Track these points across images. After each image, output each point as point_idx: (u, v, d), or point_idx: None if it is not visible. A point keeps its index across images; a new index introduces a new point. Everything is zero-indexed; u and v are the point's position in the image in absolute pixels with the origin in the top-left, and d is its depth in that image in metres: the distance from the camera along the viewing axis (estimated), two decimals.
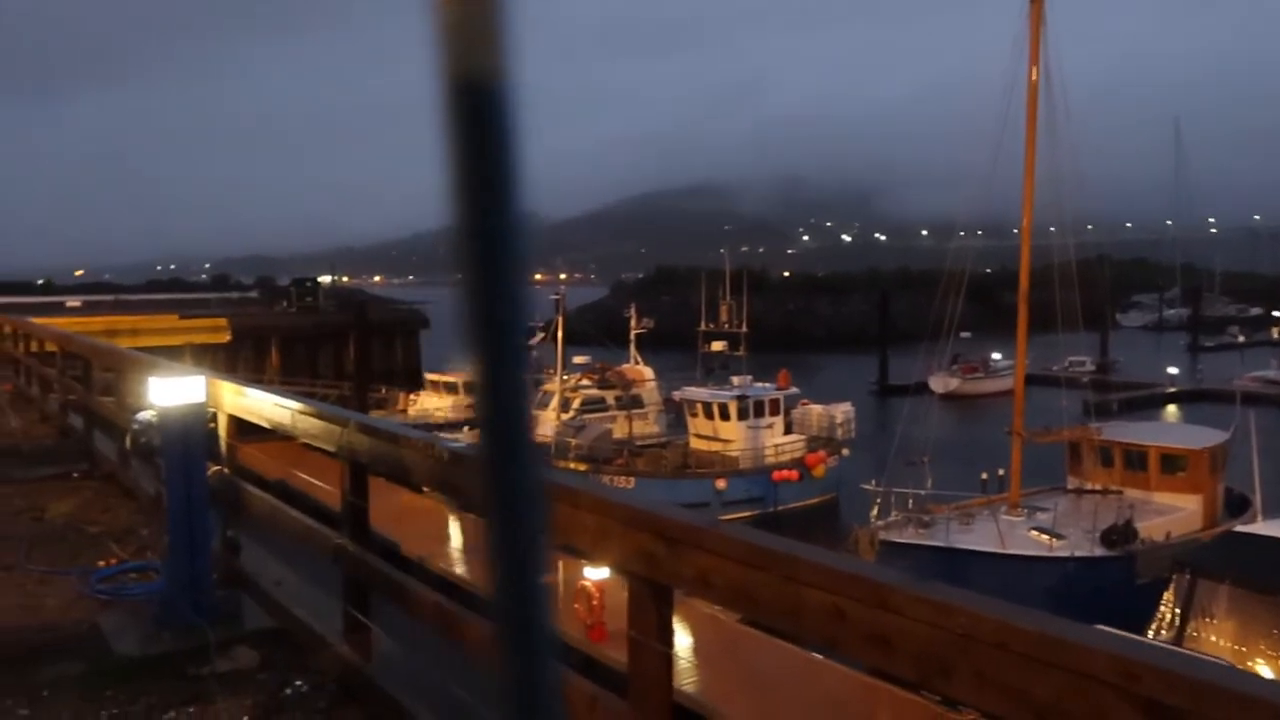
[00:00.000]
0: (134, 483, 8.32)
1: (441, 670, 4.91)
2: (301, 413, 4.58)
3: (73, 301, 46.61)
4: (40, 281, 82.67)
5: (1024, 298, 22.82)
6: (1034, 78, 21.29)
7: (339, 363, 43.80)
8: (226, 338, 38.59)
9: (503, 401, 0.74)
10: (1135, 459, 22.48)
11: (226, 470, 5.80)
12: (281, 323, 44.40)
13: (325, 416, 4.39)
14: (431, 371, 42.29)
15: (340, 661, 4.30)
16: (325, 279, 65.37)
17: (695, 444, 32.52)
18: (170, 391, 5.29)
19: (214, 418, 5.74)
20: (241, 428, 5.91)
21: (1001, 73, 22.06)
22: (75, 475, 9.43)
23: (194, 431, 5.37)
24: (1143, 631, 13.91)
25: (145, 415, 5.40)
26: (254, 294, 57.51)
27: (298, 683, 4.79)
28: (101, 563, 6.65)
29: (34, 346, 14.71)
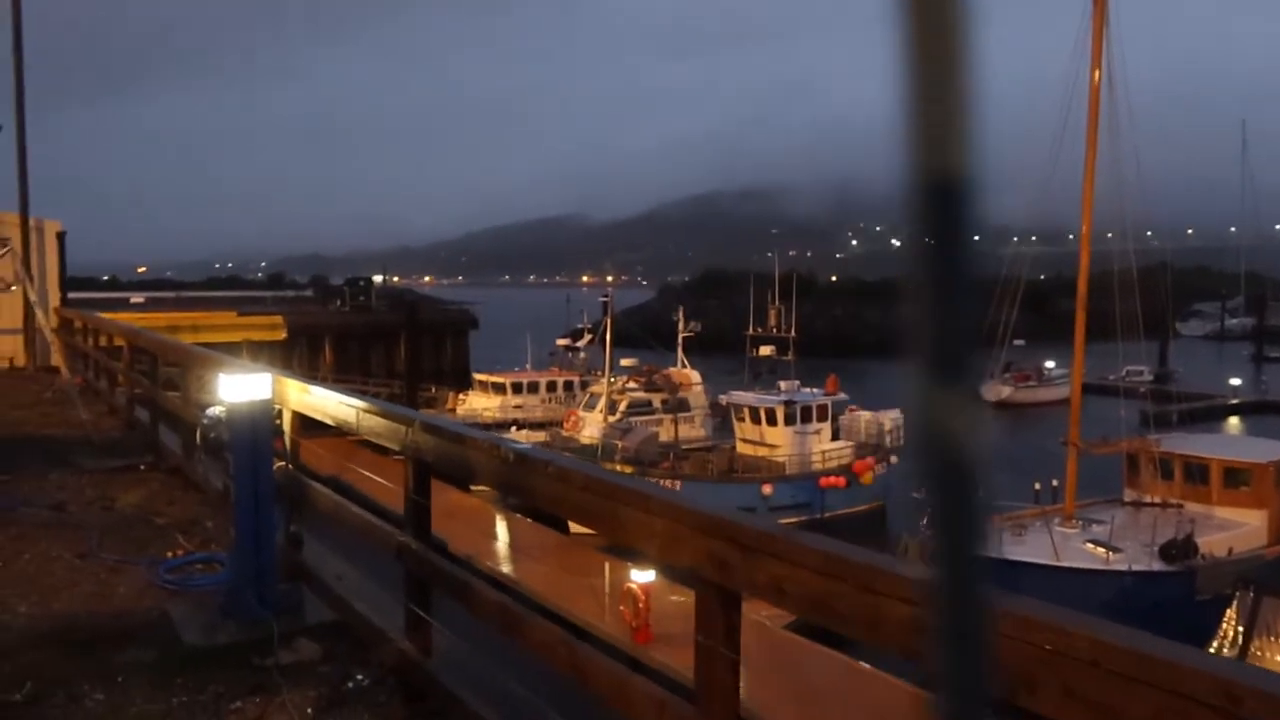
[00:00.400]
0: (199, 476, 8.52)
1: (501, 668, 4.96)
2: (366, 411, 4.66)
3: (136, 298, 47.85)
4: (105, 278, 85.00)
5: (1082, 304, 22.36)
6: (1096, 79, 20.89)
7: (390, 361, 44.37)
8: (282, 335, 39.32)
9: (958, 522, 0.72)
10: (1196, 472, 21.94)
11: (291, 466, 5.92)
12: (335, 321, 45.11)
13: (390, 415, 4.46)
14: (480, 372, 42.71)
15: (401, 656, 4.36)
16: (377, 279, 66.28)
17: (741, 448, 32.41)
18: (239, 388, 5.42)
19: (279, 414, 5.86)
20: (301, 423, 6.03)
21: (1058, 74, 21.68)
22: (142, 467, 9.68)
23: (262, 427, 5.49)
24: (1202, 649, 13.58)
25: (215, 411, 5.53)
26: (309, 292, 58.53)
27: (359, 676, 4.87)
28: (169, 553, 6.82)
29: (103, 341, 15.12)
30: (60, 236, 20.63)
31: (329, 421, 5.19)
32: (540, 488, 3.17)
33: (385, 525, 4.61)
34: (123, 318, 20.67)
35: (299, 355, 40.16)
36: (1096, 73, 20.94)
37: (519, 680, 4.75)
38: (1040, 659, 1.73)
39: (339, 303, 49.69)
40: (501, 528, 26.68)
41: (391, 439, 4.31)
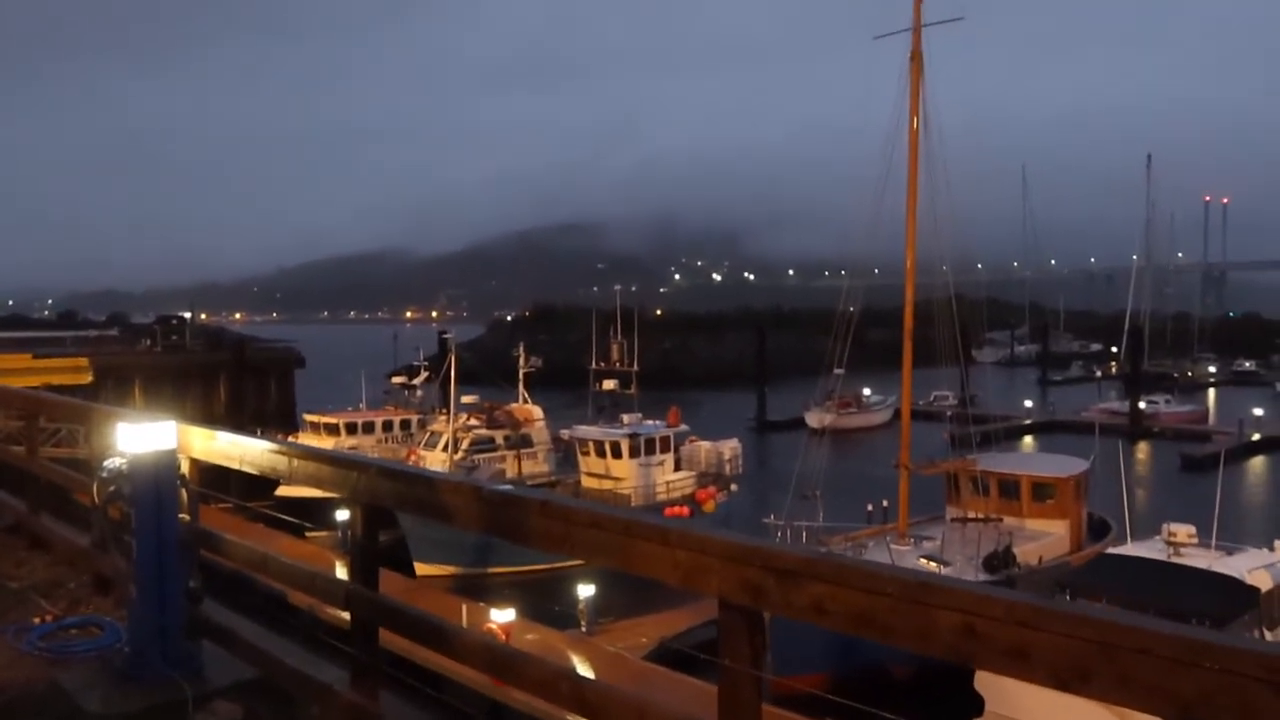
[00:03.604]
0: (50, 534, 7.85)
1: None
2: (303, 458, 4.52)
3: None
4: None
5: (909, 334, 24.04)
6: (914, 126, 22.72)
7: (209, 403, 41.88)
8: (88, 378, 36.33)
9: None
10: (1009, 488, 23.91)
11: (190, 518, 5.61)
12: (146, 362, 42.21)
13: (337, 461, 4.36)
14: (309, 412, 40.97)
15: (351, 709, 4.24)
16: (185, 316, 62.53)
17: (587, 482, 32.58)
18: (140, 437, 5.13)
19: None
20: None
21: (865, 121, 23.45)
22: None
23: (165, 479, 5.20)
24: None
25: (113, 463, 5.18)
26: (113, 332, 54.39)
27: None
28: (36, 619, 6.27)
29: None
30: None
31: (251, 470, 4.98)
32: (536, 528, 3.22)
33: (326, 572, 4.48)
34: None
35: (105, 400, 37.23)
36: (915, 120, 22.78)
37: None
38: (1094, 653, 2.00)
39: (148, 342, 46.54)
40: (342, 573, 25.59)
41: (338, 486, 4.22)
